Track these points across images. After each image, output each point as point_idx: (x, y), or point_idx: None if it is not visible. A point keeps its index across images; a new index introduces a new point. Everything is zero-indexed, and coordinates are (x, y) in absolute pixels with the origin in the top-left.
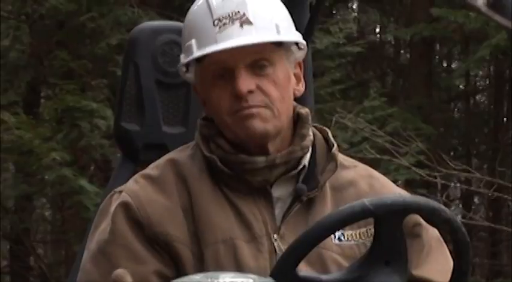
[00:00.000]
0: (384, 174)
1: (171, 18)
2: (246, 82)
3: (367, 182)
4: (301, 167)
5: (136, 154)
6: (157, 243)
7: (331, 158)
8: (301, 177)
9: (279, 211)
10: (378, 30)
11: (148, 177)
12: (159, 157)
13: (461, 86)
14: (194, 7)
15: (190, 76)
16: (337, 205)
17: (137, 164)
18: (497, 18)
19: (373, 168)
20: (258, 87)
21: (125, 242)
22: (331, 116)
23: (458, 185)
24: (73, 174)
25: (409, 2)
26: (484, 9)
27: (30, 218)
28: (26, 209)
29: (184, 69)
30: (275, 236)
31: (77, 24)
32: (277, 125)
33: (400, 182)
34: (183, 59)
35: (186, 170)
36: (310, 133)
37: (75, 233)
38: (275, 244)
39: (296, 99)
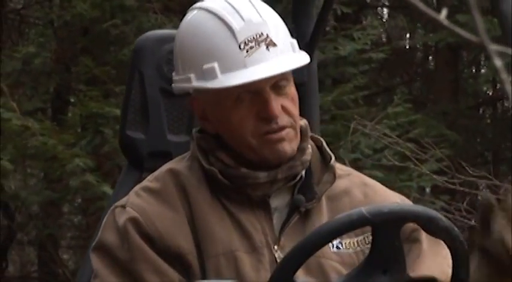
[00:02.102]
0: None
1: None
2: (275, 104)
3: (361, 191)
4: (298, 178)
5: (142, 162)
6: (170, 255)
7: (329, 169)
8: (297, 187)
9: (276, 221)
10: (407, 35)
11: (150, 190)
12: None
13: (488, 92)
14: (202, 26)
15: (186, 87)
16: (332, 215)
17: (142, 172)
18: (461, 32)
19: (397, 174)
20: (283, 108)
21: (145, 257)
22: (357, 122)
23: (483, 191)
24: (96, 180)
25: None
26: (445, 23)
27: (55, 224)
28: (51, 215)
29: (185, 85)
30: (275, 246)
31: (100, 31)
32: (297, 143)
33: (428, 189)
34: (201, 80)
35: (185, 180)
36: (309, 146)
37: None
38: (276, 255)
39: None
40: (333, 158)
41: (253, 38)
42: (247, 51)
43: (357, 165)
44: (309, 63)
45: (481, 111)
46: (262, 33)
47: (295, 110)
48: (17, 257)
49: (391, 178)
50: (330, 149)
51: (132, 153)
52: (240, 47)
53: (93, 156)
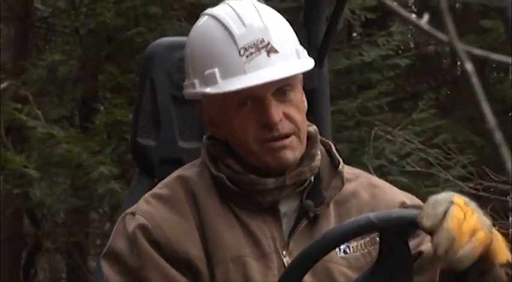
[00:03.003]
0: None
1: None
2: (276, 111)
3: (368, 192)
4: (307, 183)
5: (153, 169)
6: (178, 262)
7: (337, 174)
8: (306, 192)
9: (285, 227)
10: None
11: (160, 197)
12: None
13: None
14: (207, 32)
15: (195, 93)
16: (340, 219)
17: (153, 178)
18: (441, 36)
19: (423, 180)
20: (285, 115)
21: (154, 264)
22: (378, 128)
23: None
24: (121, 188)
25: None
26: (426, 27)
27: (81, 232)
28: (77, 222)
29: (191, 90)
30: (284, 252)
31: (125, 39)
32: (302, 150)
33: None
34: (203, 86)
35: (194, 186)
36: (319, 152)
37: None
38: (284, 260)
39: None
40: (341, 162)
41: (254, 44)
42: (247, 57)
43: (381, 171)
44: (320, 69)
45: (509, 116)
46: (263, 40)
47: (299, 117)
48: (46, 264)
49: (416, 184)
50: (355, 156)
51: (143, 160)
52: (240, 52)
53: (117, 163)
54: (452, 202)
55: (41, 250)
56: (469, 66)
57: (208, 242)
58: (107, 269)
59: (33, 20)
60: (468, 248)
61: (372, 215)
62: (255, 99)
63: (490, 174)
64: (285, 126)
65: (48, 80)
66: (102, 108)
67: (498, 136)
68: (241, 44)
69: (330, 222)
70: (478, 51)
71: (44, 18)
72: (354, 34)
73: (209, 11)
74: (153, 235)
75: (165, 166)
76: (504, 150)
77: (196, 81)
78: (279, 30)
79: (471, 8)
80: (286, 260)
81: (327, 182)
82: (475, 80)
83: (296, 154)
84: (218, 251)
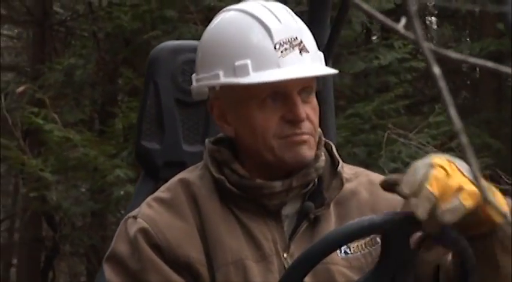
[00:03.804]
0: None
1: None
2: (302, 109)
3: (368, 190)
4: (311, 185)
5: (157, 172)
6: (179, 265)
7: (337, 175)
8: (308, 194)
9: (286, 229)
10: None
11: (161, 201)
12: None
13: None
14: (240, 24)
15: (211, 84)
16: (340, 219)
17: (158, 181)
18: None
19: None
20: (306, 115)
21: (155, 267)
22: (392, 132)
23: None
24: None
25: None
26: (402, 31)
27: (97, 235)
28: (94, 226)
29: (212, 82)
30: (285, 254)
31: (141, 42)
32: (315, 151)
33: None
34: (230, 77)
35: (196, 190)
36: (323, 153)
37: None
38: (285, 263)
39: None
40: (341, 163)
41: (288, 40)
42: (281, 52)
43: None
44: None
45: None
46: (297, 38)
47: (316, 119)
48: (67, 268)
49: None
50: (371, 159)
51: (147, 163)
52: (275, 47)
53: (133, 166)
54: (431, 165)
55: (59, 253)
56: (436, 70)
57: (209, 245)
58: (108, 272)
59: (52, 24)
60: (454, 202)
61: (375, 217)
62: (282, 95)
63: (503, 177)
64: (306, 126)
65: (65, 83)
66: (114, 111)
67: (464, 139)
68: (277, 39)
69: (331, 224)
70: (454, 55)
71: (62, 22)
72: (373, 37)
73: (235, 6)
74: (154, 239)
75: (169, 169)
76: (470, 152)
77: (221, 72)
78: (308, 33)
79: (489, 11)
80: (287, 263)
81: (327, 182)
82: (442, 84)
83: (312, 153)
84: (219, 254)
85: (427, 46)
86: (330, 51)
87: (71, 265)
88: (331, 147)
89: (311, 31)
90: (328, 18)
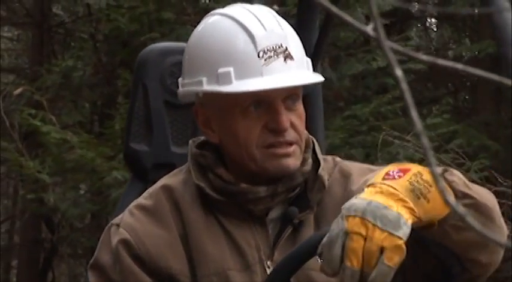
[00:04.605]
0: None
1: None
2: (285, 117)
3: (340, 185)
4: (298, 189)
5: (146, 174)
6: (161, 276)
7: (318, 177)
8: (292, 198)
9: (271, 233)
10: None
11: (143, 209)
12: None
13: None
14: (223, 30)
15: (194, 90)
16: (317, 221)
17: (146, 183)
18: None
19: None
20: (291, 124)
21: (136, 279)
22: (386, 133)
23: None
24: None
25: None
26: (372, 33)
27: (96, 237)
28: (93, 227)
29: (195, 88)
30: (268, 262)
31: (139, 44)
32: (300, 159)
33: None
34: (213, 84)
35: (179, 196)
36: (310, 157)
37: None
38: (268, 271)
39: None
40: (322, 165)
41: (273, 48)
42: (265, 60)
43: None
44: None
45: None
46: (281, 45)
47: (302, 127)
48: (67, 269)
49: None
50: (368, 160)
51: (136, 165)
52: (258, 54)
53: None
54: (346, 233)
55: (57, 255)
56: (398, 72)
57: (192, 254)
58: (92, 280)
59: (51, 26)
60: (380, 267)
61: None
62: (265, 103)
63: (499, 179)
64: (291, 134)
65: (62, 85)
66: (111, 113)
67: (425, 140)
68: (260, 46)
69: (311, 228)
70: (424, 57)
71: (61, 24)
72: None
73: (221, 11)
74: (135, 250)
75: (158, 171)
76: (430, 154)
77: (204, 79)
78: (295, 39)
79: (476, 13)
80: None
81: (311, 185)
82: (404, 86)
83: (297, 163)
84: (202, 264)
85: (388, 45)
86: (318, 55)
87: (70, 267)
88: (314, 145)
89: (299, 35)
90: (317, 21)
